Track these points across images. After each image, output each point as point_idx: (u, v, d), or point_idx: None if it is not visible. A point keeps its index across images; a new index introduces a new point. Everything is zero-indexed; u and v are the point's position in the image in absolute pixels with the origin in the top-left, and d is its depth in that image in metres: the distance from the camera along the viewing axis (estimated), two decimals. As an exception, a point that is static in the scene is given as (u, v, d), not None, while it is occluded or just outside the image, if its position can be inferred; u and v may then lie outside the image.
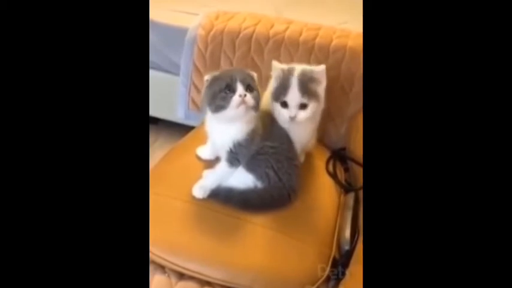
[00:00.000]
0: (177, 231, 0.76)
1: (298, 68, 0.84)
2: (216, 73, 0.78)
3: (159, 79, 1.51)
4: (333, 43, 1.08)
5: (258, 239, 0.76)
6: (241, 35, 1.12)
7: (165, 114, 1.64)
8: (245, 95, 0.73)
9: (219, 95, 0.74)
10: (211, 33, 1.14)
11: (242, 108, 0.73)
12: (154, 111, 1.55)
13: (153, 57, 1.46)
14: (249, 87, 0.75)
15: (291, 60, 1.06)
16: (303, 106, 0.82)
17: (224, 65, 1.15)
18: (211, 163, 0.88)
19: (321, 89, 0.84)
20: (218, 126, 0.81)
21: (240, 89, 0.73)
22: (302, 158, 0.96)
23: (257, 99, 0.76)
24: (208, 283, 0.72)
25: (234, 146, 0.79)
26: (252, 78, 0.78)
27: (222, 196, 0.81)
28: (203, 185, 0.82)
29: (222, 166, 0.82)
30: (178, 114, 1.26)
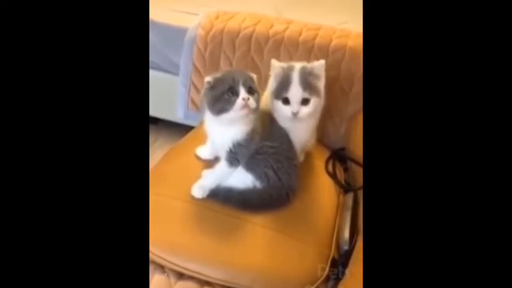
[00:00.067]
0: (176, 231, 0.77)
1: (298, 64, 0.84)
2: (217, 75, 0.78)
3: (159, 79, 1.51)
4: (333, 43, 1.08)
5: (258, 239, 0.76)
6: (240, 34, 1.12)
7: (165, 114, 1.64)
8: (248, 99, 0.73)
9: (221, 98, 0.74)
10: (211, 33, 1.14)
11: (244, 111, 0.74)
12: (154, 111, 1.55)
13: (153, 57, 1.47)
14: (250, 90, 0.75)
15: (290, 60, 1.05)
16: (304, 101, 0.82)
17: (224, 65, 1.15)
18: (210, 163, 0.88)
19: (321, 83, 0.85)
20: (218, 127, 0.81)
21: (243, 92, 0.73)
22: (301, 158, 0.96)
23: (258, 102, 0.77)
24: (207, 283, 0.72)
25: (234, 146, 0.79)
26: (252, 80, 0.78)
27: (221, 196, 0.81)
28: (202, 184, 0.82)
29: (222, 166, 0.82)
30: (178, 114, 1.26)
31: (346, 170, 1.04)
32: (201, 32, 1.15)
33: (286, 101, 0.83)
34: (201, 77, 1.17)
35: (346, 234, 0.83)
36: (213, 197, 0.81)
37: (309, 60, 1.06)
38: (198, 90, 1.19)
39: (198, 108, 1.20)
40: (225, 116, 0.75)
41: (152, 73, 1.49)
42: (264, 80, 0.90)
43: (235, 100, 0.73)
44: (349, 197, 0.92)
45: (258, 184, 0.82)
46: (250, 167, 0.81)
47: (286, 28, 1.12)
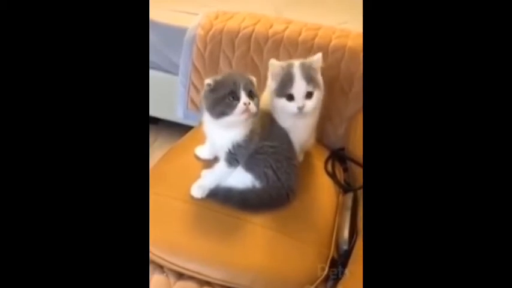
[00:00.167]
0: (176, 231, 0.77)
1: (297, 61, 0.84)
2: (217, 77, 0.77)
3: (159, 79, 1.51)
4: (332, 43, 1.08)
5: (258, 239, 0.76)
6: (240, 34, 1.12)
7: (165, 114, 1.64)
8: (249, 103, 0.73)
9: (222, 102, 0.74)
10: (211, 32, 1.14)
11: (245, 115, 0.74)
12: (154, 111, 1.55)
13: (153, 57, 1.46)
14: (251, 94, 0.75)
15: (289, 59, 1.06)
16: (309, 95, 0.83)
17: (223, 65, 1.15)
18: (210, 163, 0.88)
19: (319, 76, 0.86)
20: (217, 129, 0.81)
21: (243, 96, 0.73)
22: (301, 158, 0.96)
23: (258, 106, 0.77)
24: (207, 283, 0.72)
25: (233, 147, 0.79)
26: (252, 84, 0.78)
27: (220, 196, 0.81)
28: (202, 184, 0.82)
29: (221, 166, 0.82)
30: (177, 114, 1.26)
31: (345, 170, 1.04)
32: (200, 31, 1.15)
33: (290, 98, 0.83)
34: (201, 77, 1.17)
35: (346, 234, 0.83)
36: (212, 197, 0.81)
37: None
38: (197, 90, 1.19)
39: (197, 108, 1.20)
40: (225, 120, 0.75)
41: (152, 73, 1.49)
42: (263, 80, 0.90)
43: (236, 104, 0.73)
44: (349, 197, 0.92)
45: (258, 184, 0.82)
46: (249, 167, 0.81)
47: (286, 28, 1.12)
